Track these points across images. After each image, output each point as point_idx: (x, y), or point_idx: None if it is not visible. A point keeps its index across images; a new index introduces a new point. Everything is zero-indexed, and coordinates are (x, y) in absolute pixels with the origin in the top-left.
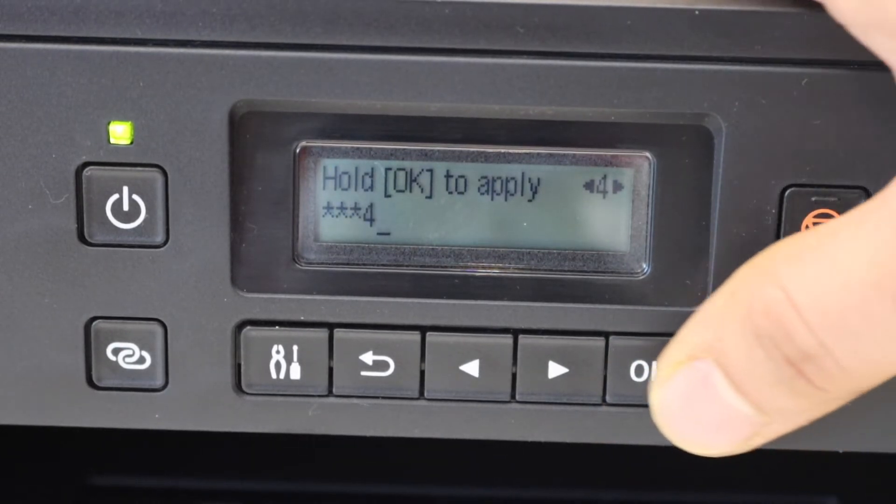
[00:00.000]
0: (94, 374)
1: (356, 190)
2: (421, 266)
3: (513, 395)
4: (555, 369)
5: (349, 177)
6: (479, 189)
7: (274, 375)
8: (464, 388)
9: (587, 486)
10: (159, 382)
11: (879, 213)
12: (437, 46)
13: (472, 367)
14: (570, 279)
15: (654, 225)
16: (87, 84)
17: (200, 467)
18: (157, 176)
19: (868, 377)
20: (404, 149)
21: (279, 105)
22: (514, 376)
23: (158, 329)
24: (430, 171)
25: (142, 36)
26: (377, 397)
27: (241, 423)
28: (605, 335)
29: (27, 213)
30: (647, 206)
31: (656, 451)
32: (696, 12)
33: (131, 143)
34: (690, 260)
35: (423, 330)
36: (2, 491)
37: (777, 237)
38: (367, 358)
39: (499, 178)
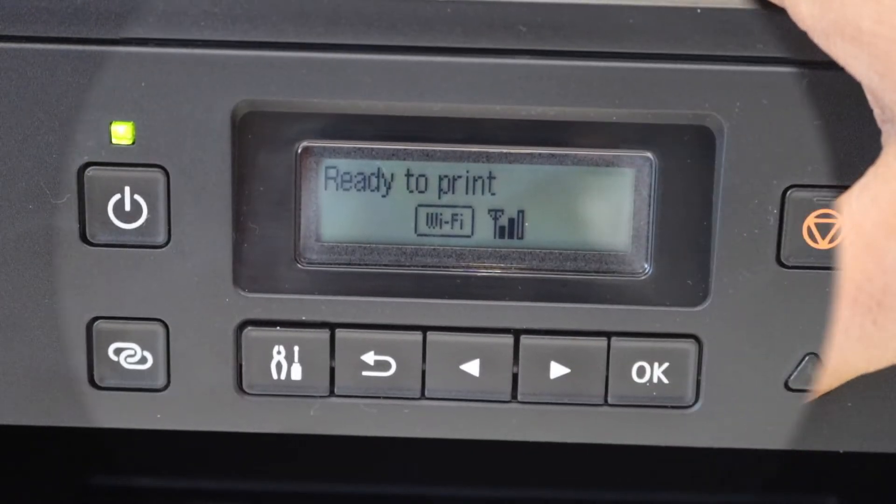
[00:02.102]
0: (95, 374)
1: (358, 190)
2: (422, 266)
3: (514, 396)
4: (556, 369)
5: (351, 177)
6: (480, 189)
7: (275, 376)
8: (465, 388)
9: (587, 486)
10: (161, 382)
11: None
12: (438, 46)
13: (473, 367)
14: (572, 279)
15: (656, 225)
16: (88, 84)
17: (200, 467)
18: (159, 176)
19: None
20: (406, 149)
21: (281, 105)
22: (515, 376)
23: (160, 329)
24: (432, 171)
25: (143, 36)
26: (378, 397)
27: (242, 424)
28: (607, 335)
29: (29, 214)
30: (649, 206)
31: (656, 451)
32: (699, 10)
33: (133, 143)
34: (692, 260)
35: (424, 330)
36: (2, 491)
37: (778, 237)
38: (369, 358)
39: (500, 178)
